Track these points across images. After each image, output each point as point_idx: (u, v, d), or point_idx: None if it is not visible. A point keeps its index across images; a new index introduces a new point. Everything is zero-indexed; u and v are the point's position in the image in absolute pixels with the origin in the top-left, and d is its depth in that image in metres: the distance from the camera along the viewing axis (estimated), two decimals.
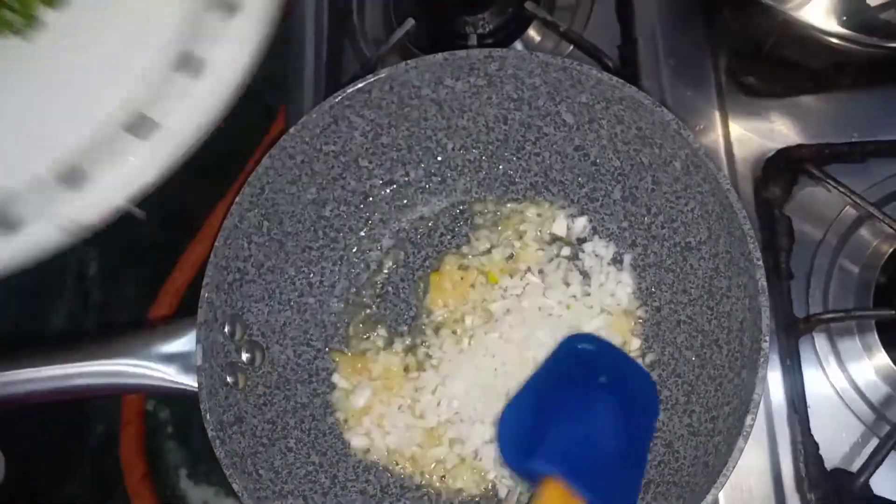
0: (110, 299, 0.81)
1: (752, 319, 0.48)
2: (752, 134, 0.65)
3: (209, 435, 0.51)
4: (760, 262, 0.48)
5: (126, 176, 0.48)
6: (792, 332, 0.58)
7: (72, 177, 0.48)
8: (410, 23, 0.65)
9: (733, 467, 0.44)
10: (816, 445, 0.55)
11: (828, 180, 0.60)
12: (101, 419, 0.78)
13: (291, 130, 0.56)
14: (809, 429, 0.56)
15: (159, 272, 0.77)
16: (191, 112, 0.49)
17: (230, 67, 0.48)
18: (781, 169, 0.62)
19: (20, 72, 0.51)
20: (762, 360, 0.46)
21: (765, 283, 0.48)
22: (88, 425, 0.77)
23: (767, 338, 0.47)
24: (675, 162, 0.54)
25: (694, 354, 0.54)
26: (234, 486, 0.49)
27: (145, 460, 0.73)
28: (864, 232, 0.62)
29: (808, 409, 0.56)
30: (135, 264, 0.81)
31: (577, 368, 0.53)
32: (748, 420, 0.45)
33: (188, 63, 0.49)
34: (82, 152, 0.47)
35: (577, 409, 0.49)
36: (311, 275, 0.61)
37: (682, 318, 0.56)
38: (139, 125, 0.48)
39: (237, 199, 0.56)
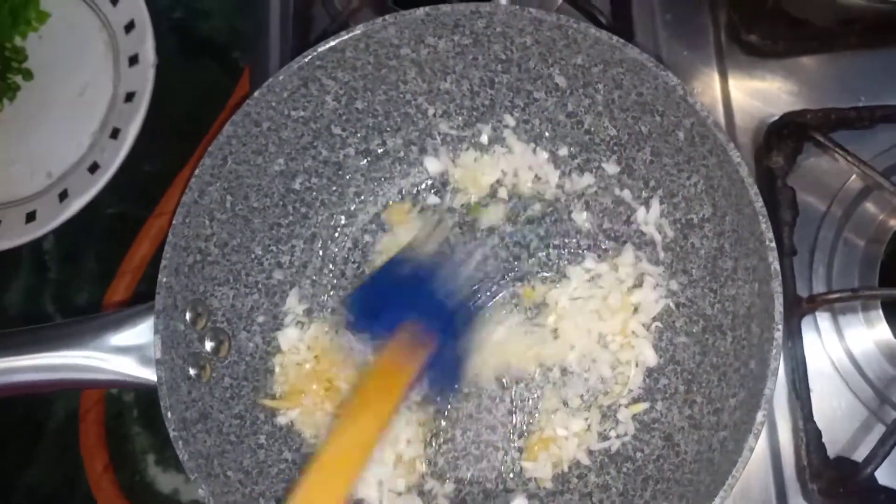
0: (68, 275, 0.76)
1: (763, 305, 0.45)
2: (753, 98, 0.61)
3: (171, 435, 0.46)
4: (773, 244, 0.44)
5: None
6: (795, 313, 0.54)
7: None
8: None
9: (743, 467, 0.41)
10: (819, 433, 0.52)
11: (835, 148, 0.57)
12: (61, 400, 0.73)
13: (256, 94, 0.50)
14: (812, 415, 0.53)
15: (119, 246, 0.72)
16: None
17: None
18: (784, 136, 0.58)
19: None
20: (774, 350, 0.43)
21: (778, 267, 0.44)
22: (48, 407, 0.73)
23: (781, 326, 0.43)
24: (678, 131, 0.50)
25: (694, 341, 0.51)
26: (200, 491, 0.45)
27: (107, 449, 0.69)
28: (870, 204, 0.59)
29: (811, 394, 0.54)
30: (93, 238, 0.76)
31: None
32: (759, 416, 0.42)
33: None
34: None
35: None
36: (281, 254, 0.56)
37: (681, 301, 0.52)
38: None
39: (196, 173, 0.50)
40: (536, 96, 0.55)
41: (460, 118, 0.57)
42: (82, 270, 0.76)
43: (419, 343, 0.47)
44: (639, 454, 0.50)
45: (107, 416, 0.70)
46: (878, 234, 0.58)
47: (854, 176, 0.58)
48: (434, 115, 0.57)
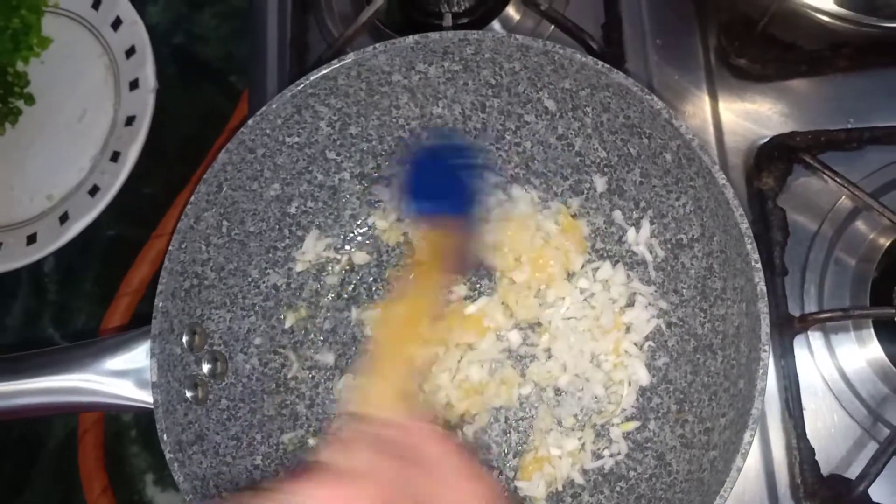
0: (68, 297, 0.77)
1: (750, 325, 0.45)
2: (743, 120, 0.62)
3: (167, 457, 0.47)
4: (759, 265, 0.45)
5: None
6: (787, 332, 0.55)
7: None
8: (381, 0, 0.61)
9: (731, 488, 0.42)
10: (813, 451, 0.53)
11: (824, 170, 0.57)
12: (59, 421, 0.73)
13: (250, 122, 0.51)
14: (805, 433, 0.53)
15: (119, 268, 0.73)
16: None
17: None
18: (774, 157, 0.59)
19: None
20: (761, 370, 0.43)
21: (763, 288, 0.45)
22: (46, 428, 0.73)
23: (768, 347, 0.43)
24: (665, 153, 0.50)
25: (686, 360, 0.51)
26: None
27: (105, 471, 0.69)
28: (860, 224, 0.59)
29: (804, 412, 0.54)
30: (93, 260, 0.77)
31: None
32: (746, 436, 0.42)
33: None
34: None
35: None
36: (277, 277, 0.57)
37: (673, 321, 0.53)
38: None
39: (192, 199, 0.51)
40: (527, 119, 0.55)
41: None
42: (82, 292, 0.77)
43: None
44: (632, 473, 0.50)
45: (105, 435, 0.70)
46: (869, 254, 0.59)
47: (844, 196, 0.59)
48: (428, 138, 0.58)
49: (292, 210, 0.57)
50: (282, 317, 0.57)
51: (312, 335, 0.58)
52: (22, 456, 0.74)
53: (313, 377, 0.56)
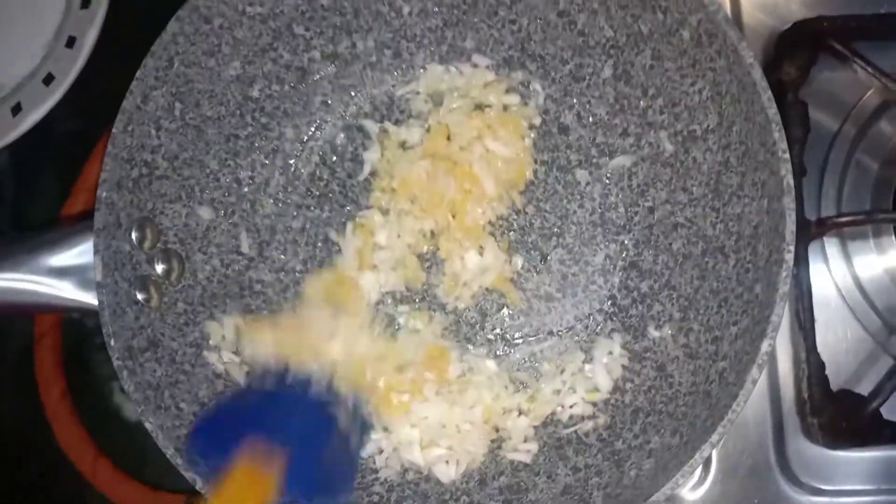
0: (25, 195, 0.71)
1: (772, 224, 0.40)
2: (764, 6, 0.56)
3: (115, 364, 0.42)
4: (787, 155, 0.40)
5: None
6: (801, 237, 0.50)
7: None
8: None
9: (745, 401, 0.37)
10: (822, 365, 0.49)
11: (854, 58, 0.51)
12: (18, 329, 0.69)
13: None
14: (816, 346, 0.49)
15: (78, 164, 0.67)
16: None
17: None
18: (798, 45, 0.53)
19: None
20: (784, 273, 0.38)
21: (791, 182, 0.39)
22: (5, 336, 0.69)
23: (792, 247, 0.38)
24: (682, 31, 0.44)
25: (693, 264, 0.46)
26: (147, 425, 0.41)
27: (64, 376, 0.65)
28: (885, 124, 0.54)
29: (815, 324, 0.50)
30: (50, 156, 0.71)
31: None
32: (764, 346, 0.38)
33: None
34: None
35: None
36: (239, 169, 0.51)
37: (679, 221, 0.47)
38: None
39: (137, 75, 0.45)
40: None
41: (440, 18, 0.51)
42: (41, 189, 0.71)
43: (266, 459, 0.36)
44: (628, 385, 0.46)
45: (67, 342, 0.66)
46: (894, 156, 0.54)
47: (871, 91, 0.53)
48: (409, 13, 0.51)
49: (255, 93, 0.50)
50: (245, 213, 0.51)
51: (280, 235, 0.52)
52: None
53: (280, 280, 0.51)
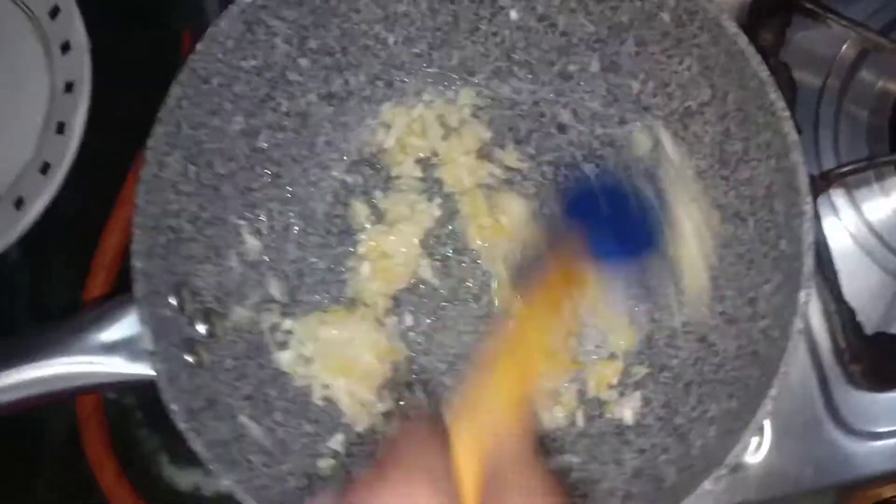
0: (41, 287, 0.71)
1: (784, 181, 0.42)
2: None
3: (180, 427, 0.43)
4: (787, 113, 0.41)
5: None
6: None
7: None
8: None
9: (794, 352, 0.39)
10: (852, 311, 0.50)
11: (827, 14, 0.53)
12: (58, 415, 0.69)
13: (199, 47, 0.46)
14: (842, 295, 0.51)
15: (89, 245, 0.68)
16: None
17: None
18: (770, 11, 0.55)
19: None
20: (806, 224, 0.40)
21: (796, 137, 0.41)
22: (45, 424, 0.69)
23: (809, 198, 0.40)
24: (662, 13, 0.46)
25: (713, 234, 0.47)
26: (225, 482, 0.42)
27: (115, 456, 0.65)
28: (865, 73, 0.56)
29: (837, 274, 0.51)
30: (61, 244, 0.72)
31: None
32: (801, 295, 0.39)
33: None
34: None
35: None
36: (258, 221, 0.52)
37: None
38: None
39: (150, 143, 0.46)
40: (502, 3, 0.50)
41: (424, 43, 0.53)
42: (57, 280, 0.72)
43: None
44: (674, 361, 0.47)
45: (110, 422, 0.67)
46: (881, 102, 0.56)
47: (848, 43, 0.55)
48: (395, 43, 0.52)
49: (261, 144, 0.51)
50: (272, 262, 0.52)
51: (307, 277, 0.53)
52: (23, 460, 0.70)
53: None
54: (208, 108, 0.48)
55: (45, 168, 0.68)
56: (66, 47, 0.67)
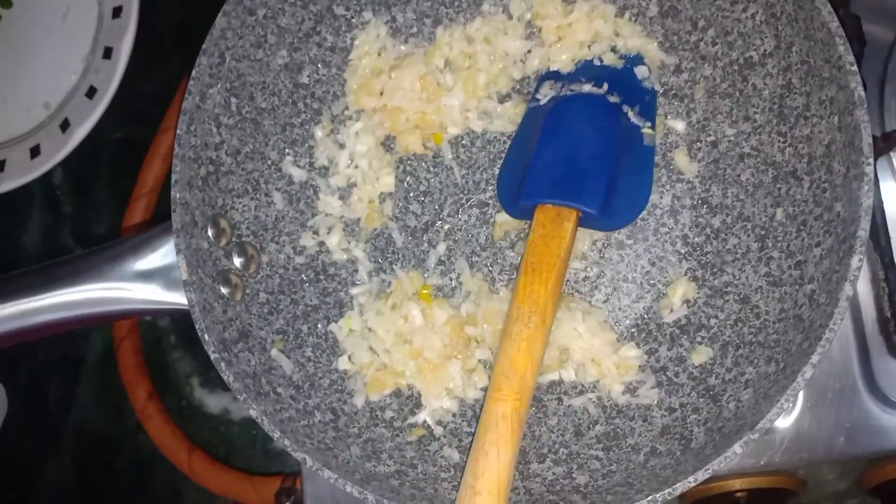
0: (83, 208, 0.74)
1: (846, 140, 0.39)
2: None
3: (212, 357, 0.43)
4: (854, 67, 0.39)
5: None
6: None
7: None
8: None
9: (841, 319, 0.37)
10: None
11: None
12: (96, 335, 0.71)
13: None
14: (894, 263, 0.48)
15: (130, 170, 0.69)
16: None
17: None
18: None
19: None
20: (866, 187, 0.38)
21: (862, 93, 0.38)
22: (85, 342, 0.71)
23: (871, 159, 0.38)
24: None
25: (765, 192, 0.46)
26: (252, 412, 0.43)
27: (148, 377, 0.67)
28: None
29: (891, 241, 0.49)
30: (102, 166, 0.73)
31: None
32: (854, 261, 0.37)
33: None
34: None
35: (568, 130, 0.48)
36: (299, 157, 0.51)
37: (745, 152, 0.47)
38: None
39: (193, 74, 0.45)
40: None
41: None
42: (97, 201, 0.74)
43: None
44: (713, 321, 0.46)
45: (144, 344, 0.69)
46: None
47: None
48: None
49: (304, 80, 0.51)
50: (309, 200, 0.52)
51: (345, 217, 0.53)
52: (66, 373, 0.72)
53: (353, 262, 0.52)
54: (252, 41, 0.47)
55: (91, 92, 0.69)
56: None
